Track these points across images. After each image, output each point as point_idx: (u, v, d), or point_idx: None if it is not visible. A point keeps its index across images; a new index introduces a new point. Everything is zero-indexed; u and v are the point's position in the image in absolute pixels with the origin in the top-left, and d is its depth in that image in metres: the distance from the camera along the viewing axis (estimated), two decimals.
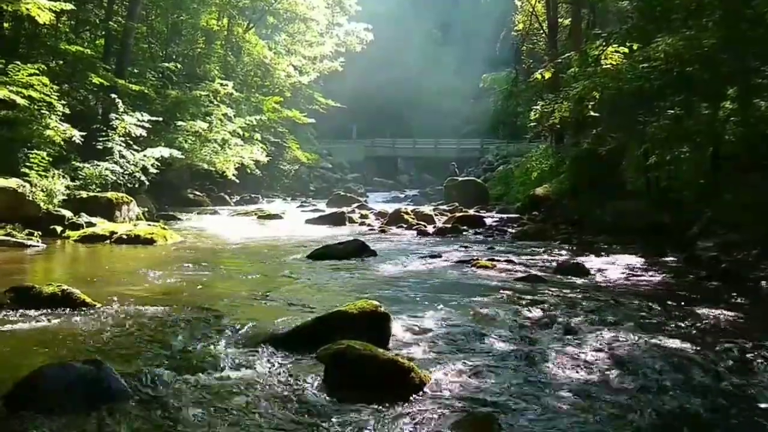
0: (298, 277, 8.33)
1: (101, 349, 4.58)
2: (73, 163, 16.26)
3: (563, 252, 11.24)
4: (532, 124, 22.35)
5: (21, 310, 5.58)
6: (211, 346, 4.70)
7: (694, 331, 5.39)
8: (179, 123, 23.35)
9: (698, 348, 4.82)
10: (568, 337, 5.16)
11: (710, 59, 11.69)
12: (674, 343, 4.94)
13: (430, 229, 15.63)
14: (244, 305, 6.37)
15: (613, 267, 9.23)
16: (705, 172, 12.77)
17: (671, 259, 10.09)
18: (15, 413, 3.33)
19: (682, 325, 5.60)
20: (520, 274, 8.36)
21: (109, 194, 15.24)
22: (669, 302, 6.54)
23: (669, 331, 5.33)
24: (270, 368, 4.22)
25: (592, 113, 16.52)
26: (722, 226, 11.12)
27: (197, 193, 26.78)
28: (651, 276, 8.54)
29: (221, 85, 26.18)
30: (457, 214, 18.63)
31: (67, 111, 15.89)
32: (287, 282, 7.96)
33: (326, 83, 42.79)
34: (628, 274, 8.66)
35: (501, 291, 7.20)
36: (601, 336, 5.13)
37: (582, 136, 19.12)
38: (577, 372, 4.27)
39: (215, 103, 25.67)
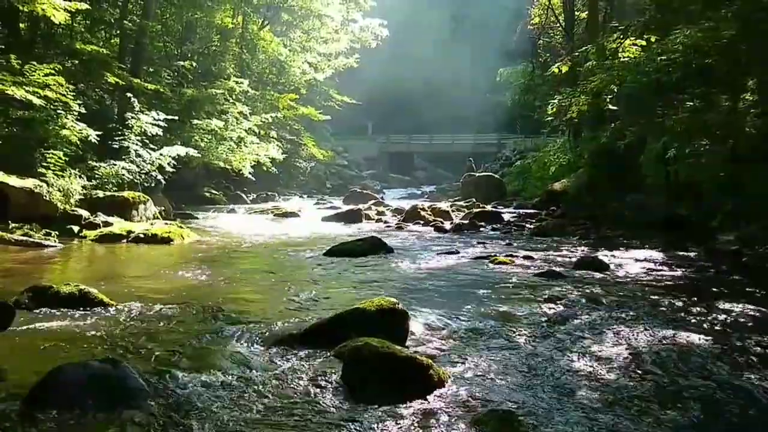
0: (316, 275, 8.31)
1: (119, 348, 4.58)
2: (90, 162, 16.28)
3: (582, 247, 11.16)
4: (549, 118, 22.25)
5: (39, 310, 5.61)
6: (229, 345, 4.69)
7: (716, 326, 5.33)
8: (195, 121, 23.36)
9: (720, 343, 4.77)
10: (589, 333, 5.11)
11: (729, 50, 11.56)
12: (696, 339, 4.89)
13: (447, 225, 15.57)
14: (262, 303, 6.35)
15: (632, 261, 9.15)
16: (725, 164, 12.64)
17: (691, 252, 9.99)
18: (34, 412, 3.32)
19: (704, 320, 5.53)
20: (538, 270, 8.29)
21: (126, 193, 15.23)
22: (689, 297, 6.47)
23: (690, 327, 5.27)
24: (288, 366, 4.20)
25: (610, 107, 16.41)
26: (742, 219, 11.01)
27: (214, 191, 26.80)
28: (671, 270, 8.45)
29: (236, 82, 26.17)
30: (475, 210, 18.55)
31: (83, 110, 15.91)
32: (304, 280, 7.93)
33: (341, 80, 42.71)
34: (648, 268, 8.57)
35: (519, 287, 7.16)
36: (621, 332, 5.08)
37: (600, 130, 19.00)
38: (598, 369, 4.22)
39: (231, 101, 25.63)
